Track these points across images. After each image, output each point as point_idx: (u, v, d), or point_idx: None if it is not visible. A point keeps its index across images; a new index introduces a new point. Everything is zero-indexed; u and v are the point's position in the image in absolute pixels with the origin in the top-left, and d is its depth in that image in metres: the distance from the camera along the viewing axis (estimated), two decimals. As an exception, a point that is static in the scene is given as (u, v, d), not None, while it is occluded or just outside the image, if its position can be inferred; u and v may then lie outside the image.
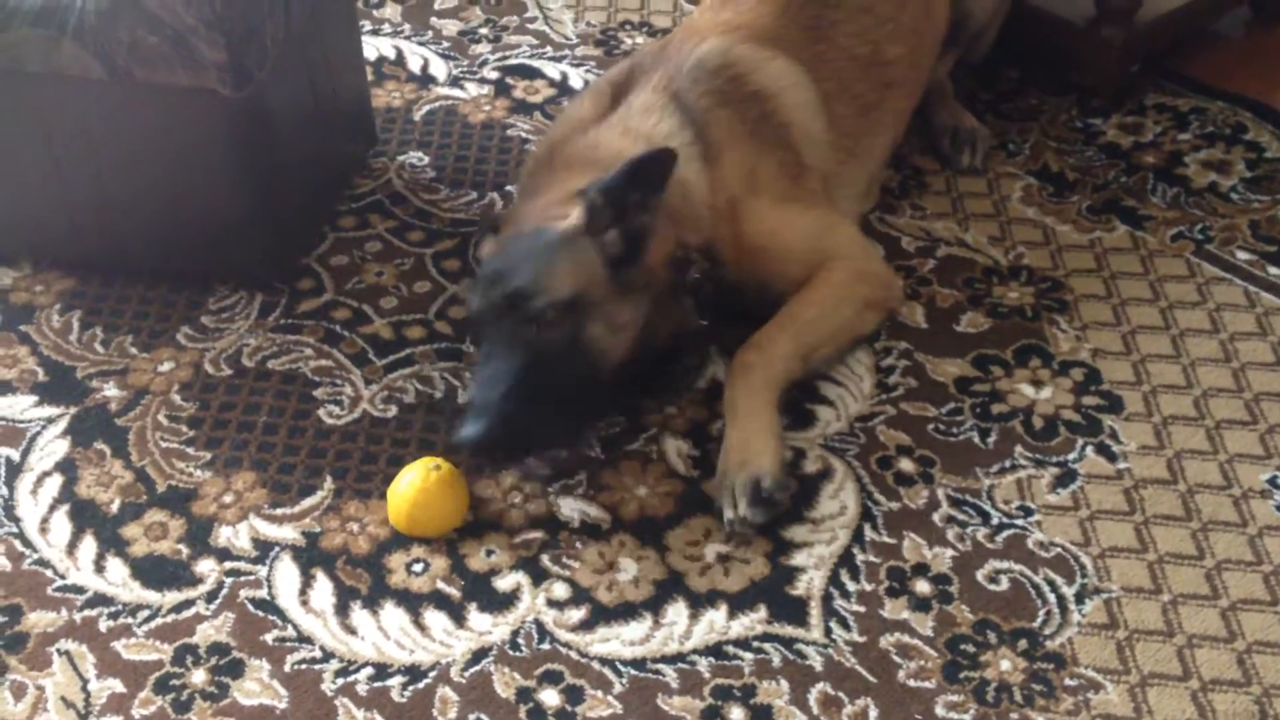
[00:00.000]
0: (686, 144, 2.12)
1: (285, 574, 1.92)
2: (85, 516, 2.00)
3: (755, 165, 2.17)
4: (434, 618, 1.86)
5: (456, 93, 2.88)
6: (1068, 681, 1.76)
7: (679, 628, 1.84)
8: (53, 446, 2.11)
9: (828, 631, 1.83)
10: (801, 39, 2.28)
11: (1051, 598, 1.86)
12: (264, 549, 1.95)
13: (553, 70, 2.93)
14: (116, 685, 1.78)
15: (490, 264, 2.03)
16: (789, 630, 1.83)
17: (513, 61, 2.97)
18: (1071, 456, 2.05)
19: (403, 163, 2.68)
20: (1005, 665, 1.78)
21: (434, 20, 3.11)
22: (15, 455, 2.09)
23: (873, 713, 1.73)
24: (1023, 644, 1.80)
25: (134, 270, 2.40)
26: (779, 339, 2.09)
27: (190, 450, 2.10)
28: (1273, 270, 2.35)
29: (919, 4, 2.43)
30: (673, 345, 2.11)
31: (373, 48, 2.98)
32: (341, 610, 1.87)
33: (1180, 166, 2.60)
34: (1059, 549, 1.92)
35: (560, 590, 1.89)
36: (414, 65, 2.96)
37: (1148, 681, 1.75)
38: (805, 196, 2.22)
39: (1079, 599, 1.85)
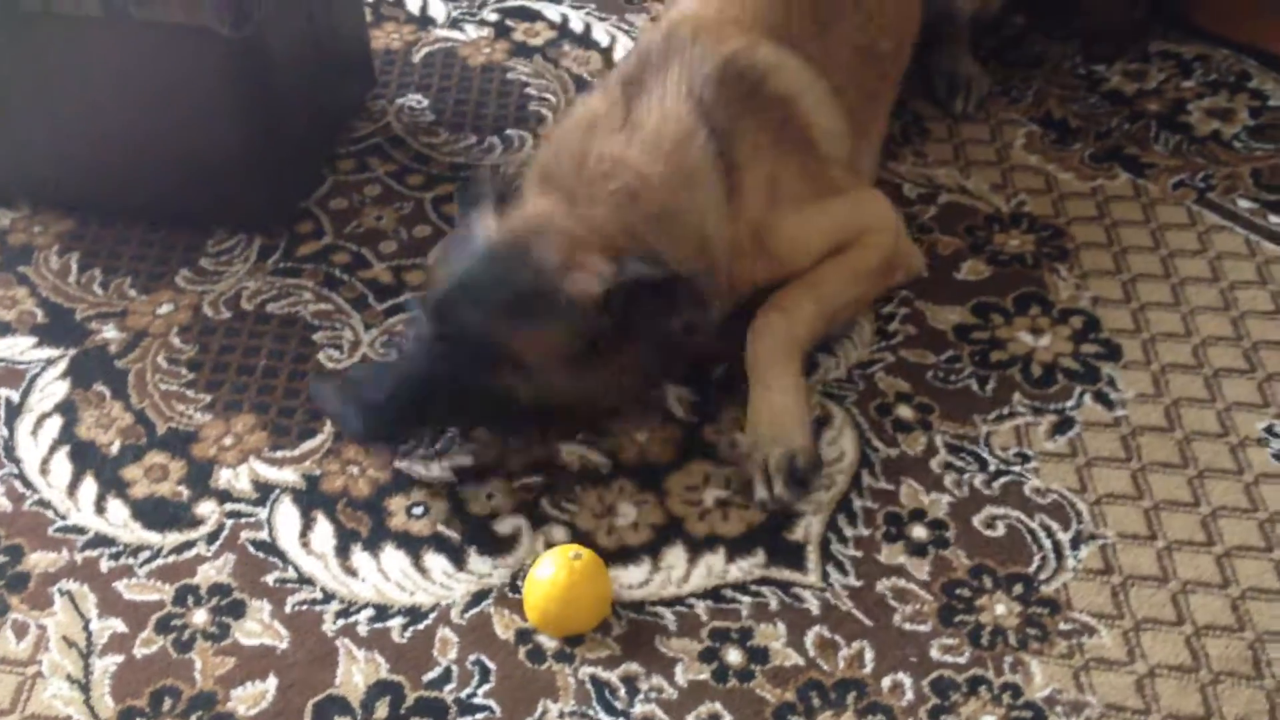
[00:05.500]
0: (717, 177, 2.01)
1: (286, 516, 1.93)
2: (86, 458, 2.00)
3: (777, 174, 2.09)
4: (434, 560, 1.87)
5: (456, 35, 2.85)
6: (1062, 626, 1.77)
7: (677, 571, 1.85)
8: (52, 388, 2.11)
9: (825, 576, 1.84)
10: (810, 31, 2.20)
11: (1047, 543, 1.87)
12: (264, 491, 1.96)
13: (553, 13, 2.90)
14: (118, 625, 1.80)
15: (477, 264, 1.87)
16: (786, 574, 1.84)
17: (513, 3, 2.94)
18: (1069, 404, 2.05)
19: (402, 105, 2.67)
20: (1000, 609, 1.79)
21: (433, -39, 3.08)
22: (15, 396, 2.09)
23: (868, 655, 1.74)
24: (1018, 589, 1.81)
25: (132, 212, 2.39)
26: (803, 301, 2.05)
27: (190, 393, 2.10)
28: (1274, 219, 2.34)
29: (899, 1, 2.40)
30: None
31: (371, -12, 2.95)
32: (342, 552, 1.88)
33: (1183, 114, 2.59)
34: (1055, 495, 1.93)
35: (560, 534, 1.90)
36: (413, 6, 2.94)
37: (1141, 626, 1.77)
38: (827, 190, 2.15)
39: (1074, 545, 1.86)
